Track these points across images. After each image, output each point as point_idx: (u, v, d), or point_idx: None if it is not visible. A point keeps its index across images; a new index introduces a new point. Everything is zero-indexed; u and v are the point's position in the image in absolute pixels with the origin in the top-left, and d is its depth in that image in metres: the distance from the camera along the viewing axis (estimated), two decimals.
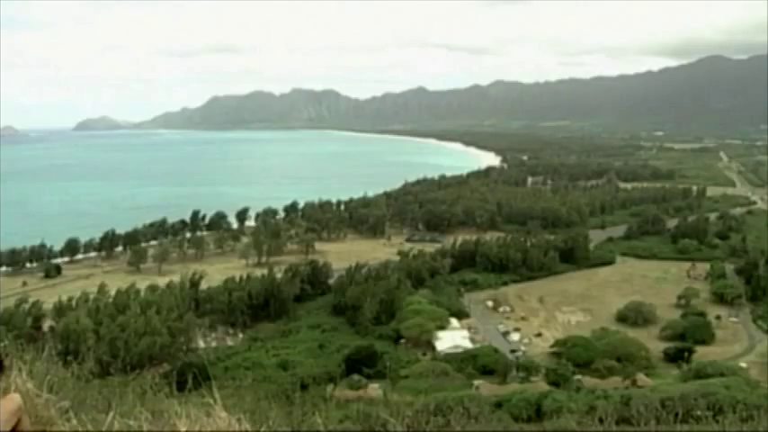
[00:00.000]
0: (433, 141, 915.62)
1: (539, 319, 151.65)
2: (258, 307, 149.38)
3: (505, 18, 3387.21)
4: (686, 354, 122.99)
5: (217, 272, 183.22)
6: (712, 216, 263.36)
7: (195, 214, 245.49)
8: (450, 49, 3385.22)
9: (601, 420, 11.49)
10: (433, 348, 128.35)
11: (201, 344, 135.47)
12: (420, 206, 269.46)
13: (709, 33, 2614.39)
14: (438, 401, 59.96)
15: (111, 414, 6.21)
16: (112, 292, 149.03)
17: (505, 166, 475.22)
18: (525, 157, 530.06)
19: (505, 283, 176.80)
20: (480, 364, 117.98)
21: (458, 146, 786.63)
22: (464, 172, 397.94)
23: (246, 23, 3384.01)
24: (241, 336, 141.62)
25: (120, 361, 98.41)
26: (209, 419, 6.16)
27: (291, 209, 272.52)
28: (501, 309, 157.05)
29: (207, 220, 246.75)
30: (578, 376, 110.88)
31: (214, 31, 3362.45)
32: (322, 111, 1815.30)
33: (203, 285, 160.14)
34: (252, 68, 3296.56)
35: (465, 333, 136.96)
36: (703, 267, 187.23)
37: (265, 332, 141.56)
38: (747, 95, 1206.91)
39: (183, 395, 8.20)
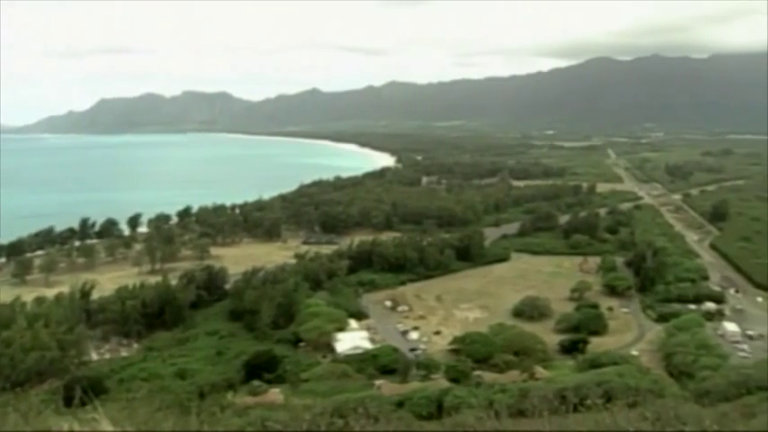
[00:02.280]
0: (328, 143, 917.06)
1: (437, 317, 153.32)
2: (153, 315, 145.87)
3: (400, 19, 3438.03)
4: (581, 345, 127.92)
5: (109, 281, 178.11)
6: (602, 211, 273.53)
7: (84, 222, 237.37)
8: (345, 51, 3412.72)
9: (497, 414, 11.64)
10: (333, 350, 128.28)
11: (94, 356, 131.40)
12: (316, 208, 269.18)
13: (597, 36, 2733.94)
14: (338, 403, 59.93)
15: None
16: None
17: (400, 166, 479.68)
18: (420, 157, 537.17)
19: (403, 283, 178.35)
20: (381, 364, 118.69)
21: (353, 147, 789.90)
22: (359, 173, 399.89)
23: (137, 24, 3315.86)
24: (136, 346, 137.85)
25: (4, 379, 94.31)
26: None
27: (185, 214, 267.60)
28: (399, 308, 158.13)
29: (97, 228, 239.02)
30: (478, 372, 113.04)
31: (103, 32, 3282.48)
32: (215, 113, 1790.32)
33: (95, 295, 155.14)
34: (142, 70, 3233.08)
35: (364, 334, 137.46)
36: (595, 261, 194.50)
37: (161, 341, 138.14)
38: (633, 95, 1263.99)
39: (72, 411, 7.88)
